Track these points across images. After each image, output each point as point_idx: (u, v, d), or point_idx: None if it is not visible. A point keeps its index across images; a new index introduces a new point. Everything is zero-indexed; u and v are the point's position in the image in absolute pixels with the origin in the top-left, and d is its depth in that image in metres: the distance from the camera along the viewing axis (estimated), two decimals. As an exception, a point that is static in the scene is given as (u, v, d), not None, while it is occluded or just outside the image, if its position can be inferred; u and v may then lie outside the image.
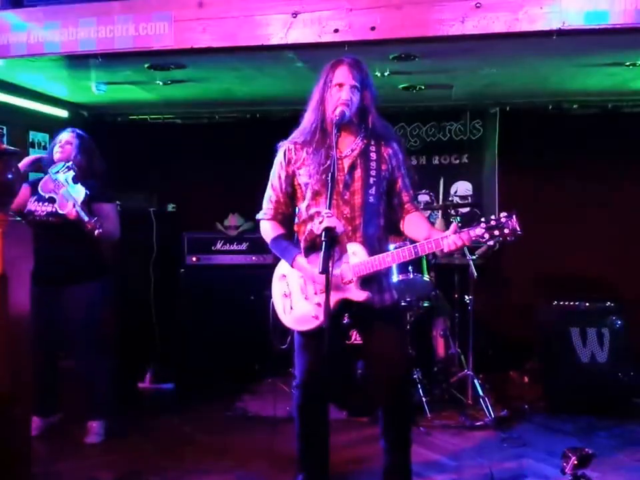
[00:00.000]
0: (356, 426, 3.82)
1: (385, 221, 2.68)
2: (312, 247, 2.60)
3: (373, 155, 2.60)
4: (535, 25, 3.15)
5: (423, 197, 5.26)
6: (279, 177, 2.67)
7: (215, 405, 4.25)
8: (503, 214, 2.38)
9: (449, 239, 2.39)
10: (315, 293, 2.59)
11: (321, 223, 2.36)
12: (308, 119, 2.61)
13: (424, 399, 3.97)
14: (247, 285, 4.70)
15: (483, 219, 2.40)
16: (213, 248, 4.93)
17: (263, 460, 3.37)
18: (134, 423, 3.93)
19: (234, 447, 3.60)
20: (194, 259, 4.93)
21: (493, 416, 3.89)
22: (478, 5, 3.17)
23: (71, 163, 3.51)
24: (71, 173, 3.45)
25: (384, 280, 2.66)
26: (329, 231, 2.33)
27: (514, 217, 2.37)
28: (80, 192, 3.40)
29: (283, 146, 2.69)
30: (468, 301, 4.28)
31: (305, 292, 2.63)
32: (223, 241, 4.94)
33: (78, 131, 3.73)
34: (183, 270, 4.93)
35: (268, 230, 2.71)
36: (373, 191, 2.57)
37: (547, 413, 4.10)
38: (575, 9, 3.10)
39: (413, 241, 2.66)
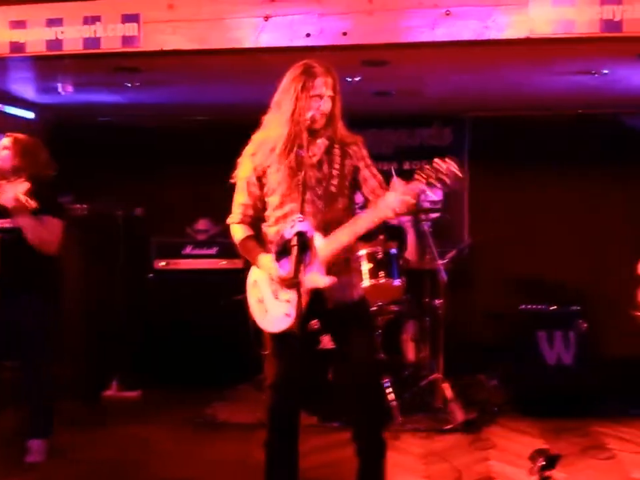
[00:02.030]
0: (327, 431, 3.82)
1: (350, 214, 2.64)
2: (283, 252, 2.59)
3: (337, 152, 2.62)
4: (503, 32, 3.20)
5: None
6: (246, 181, 2.67)
7: (183, 412, 4.19)
8: (439, 160, 2.37)
9: (393, 198, 2.38)
10: (283, 291, 2.59)
11: (292, 227, 2.36)
12: (282, 125, 2.60)
13: (394, 403, 3.98)
14: (216, 290, 4.66)
15: (417, 170, 2.40)
16: (182, 252, 4.88)
17: (233, 468, 3.34)
18: (97, 432, 3.85)
19: (202, 455, 3.56)
20: (162, 263, 4.86)
21: (462, 419, 3.92)
22: (448, 12, 3.21)
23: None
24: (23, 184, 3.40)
25: (351, 276, 2.66)
26: (301, 235, 2.32)
27: (448, 159, 2.36)
28: (23, 186, 3.34)
29: (250, 148, 2.68)
30: (438, 305, 4.31)
31: (274, 292, 2.63)
32: (192, 246, 4.89)
33: (18, 135, 3.60)
34: (151, 275, 4.86)
35: (237, 232, 2.71)
36: (334, 181, 2.59)
37: (514, 416, 4.14)
38: (542, 18, 3.16)
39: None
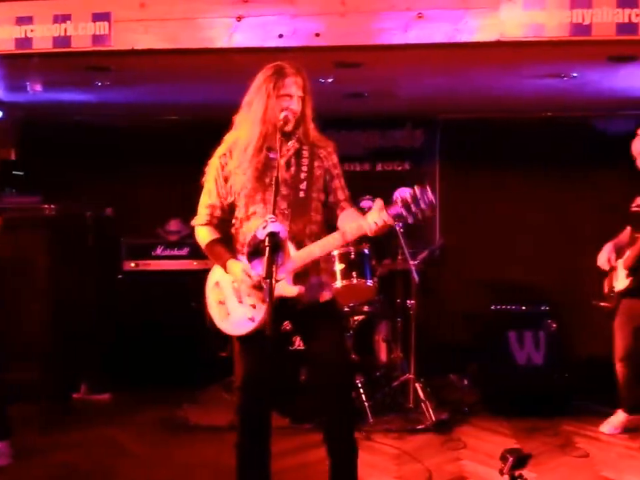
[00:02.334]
0: (299, 432, 3.80)
1: (321, 218, 2.66)
2: (255, 253, 2.58)
3: (306, 153, 2.62)
4: (474, 35, 3.24)
5: (366, 203, 5.30)
6: (215, 182, 2.65)
7: (153, 415, 4.15)
8: (417, 188, 2.36)
9: (370, 220, 2.39)
10: (248, 295, 2.58)
11: (264, 228, 2.35)
12: (253, 125, 2.58)
13: (366, 404, 3.99)
14: (188, 291, 4.62)
15: (396, 198, 2.39)
16: (152, 253, 4.83)
17: (204, 471, 3.31)
18: (66, 435, 3.79)
19: (173, 458, 3.52)
20: (132, 264, 4.80)
21: (433, 419, 3.94)
22: (420, 15, 3.24)
23: None
24: None
25: (321, 276, 2.65)
26: (273, 236, 2.31)
27: (427, 188, 2.35)
28: None
29: (219, 150, 2.67)
30: (410, 306, 4.33)
31: (238, 296, 2.62)
32: (163, 246, 4.84)
33: None
34: (120, 276, 4.80)
35: (203, 235, 2.69)
36: (303, 186, 2.58)
37: (485, 415, 4.18)
38: (513, 21, 3.20)
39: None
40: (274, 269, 2.29)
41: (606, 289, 3.88)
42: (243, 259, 2.58)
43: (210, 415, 4.02)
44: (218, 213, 2.66)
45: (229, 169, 2.61)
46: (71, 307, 4.70)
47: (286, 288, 2.50)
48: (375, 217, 2.39)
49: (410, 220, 2.37)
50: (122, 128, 5.36)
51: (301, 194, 2.57)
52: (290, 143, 2.62)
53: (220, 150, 2.66)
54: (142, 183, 5.28)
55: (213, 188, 2.65)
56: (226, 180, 2.63)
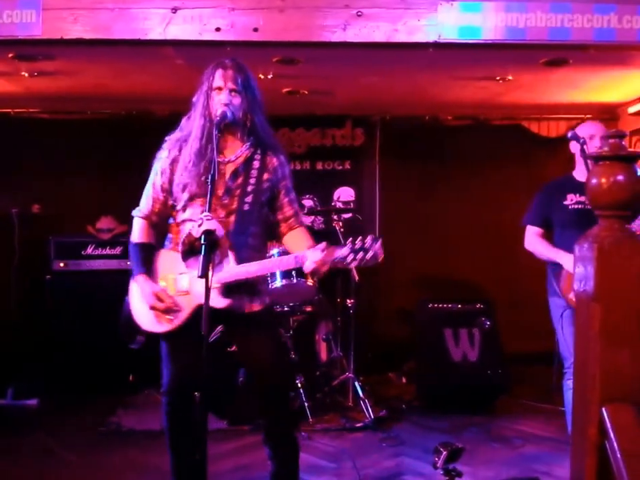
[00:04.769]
0: (237, 435, 3.75)
1: (262, 231, 2.64)
2: (191, 251, 2.52)
3: (256, 164, 2.57)
4: (413, 36, 3.25)
5: (307, 202, 5.30)
6: (160, 175, 2.60)
7: (85, 421, 3.98)
8: (370, 238, 2.34)
9: (311, 257, 2.35)
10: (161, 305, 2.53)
11: (200, 225, 2.30)
12: (194, 121, 2.55)
13: (306, 404, 3.97)
14: (121, 292, 4.41)
15: (350, 240, 2.36)
16: (83, 252, 4.63)
17: (137, 476, 3.22)
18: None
19: (106, 464, 3.39)
20: (62, 264, 4.60)
21: (372, 417, 3.96)
22: (359, 13, 3.23)
23: None
24: None
25: (255, 286, 2.61)
26: (209, 234, 2.28)
27: (379, 242, 2.33)
28: None
29: (166, 144, 2.62)
30: (350, 305, 4.34)
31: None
32: (94, 245, 4.65)
33: None
34: (49, 276, 4.59)
35: (136, 231, 2.64)
36: (249, 199, 2.54)
37: (422, 412, 4.24)
38: (450, 23, 3.23)
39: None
40: (210, 269, 2.26)
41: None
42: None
43: (144, 419, 3.91)
44: (158, 207, 2.62)
45: (175, 165, 2.57)
46: (-5, 309, 4.49)
47: (215, 299, 2.43)
48: (317, 255, 2.34)
49: (354, 264, 2.34)
50: (49, 121, 5.12)
51: (246, 207, 2.53)
52: (240, 150, 2.57)
53: (167, 144, 2.61)
54: (71, 179, 5.06)
55: (157, 182, 2.61)
56: (170, 176, 2.58)
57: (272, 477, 2.72)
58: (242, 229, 2.52)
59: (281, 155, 2.65)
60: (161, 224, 2.65)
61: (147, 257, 2.60)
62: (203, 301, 2.38)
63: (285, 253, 3.89)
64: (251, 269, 2.45)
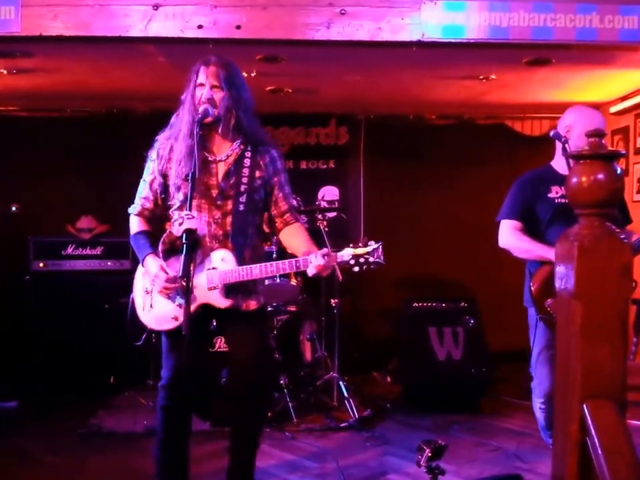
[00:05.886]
0: (220, 436, 3.71)
1: (259, 230, 2.66)
2: (172, 250, 2.51)
3: (247, 162, 2.56)
4: (396, 35, 3.25)
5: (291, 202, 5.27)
6: (151, 173, 2.60)
7: (65, 423, 3.92)
8: (372, 243, 2.39)
9: (314, 262, 2.37)
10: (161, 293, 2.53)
11: (180, 224, 2.28)
12: (181, 118, 2.54)
13: (290, 404, 3.95)
14: (101, 293, 4.41)
15: (351, 244, 2.40)
16: (62, 253, 4.57)
17: (118, 478, 3.18)
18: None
19: (86, 467, 3.34)
20: (41, 264, 4.54)
21: (356, 416, 3.95)
22: (343, 11, 3.21)
23: None
24: None
25: (250, 285, 2.61)
26: (190, 233, 2.27)
27: (380, 247, 2.39)
28: None
29: (158, 142, 2.61)
30: (334, 304, 4.32)
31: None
32: (74, 245, 4.59)
33: None
34: (28, 277, 4.53)
35: (133, 225, 2.65)
36: (243, 199, 2.53)
37: (407, 411, 4.23)
38: (433, 22, 3.23)
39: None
40: (191, 268, 2.26)
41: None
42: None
43: (125, 421, 3.86)
44: (149, 205, 2.62)
45: (166, 164, 2.56)
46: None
47: (218, 299, 2.49)
48: (320, 260, 2.35)
49: (356, 269, 2.39)
50: (28, 119, 5.06)
51: (241, 207, 2.52)
52: (231, 148, 2.56)
53: (159, 142, 2.60)
54: (51, 178, 5.00)
55: (148, 179, 2.61)
56: (162, 174, 2.58)
57: (228, 471, 2.72)
58: (240, 230, 2.53)
59: (273, 149, 2.65)
60: (155, 222, 2.66)
61: (148, 241, 2.58)
62: (205, 300, 2.49)
63: (269, 252, 3.89)
64: (254, 272, 2.46)
